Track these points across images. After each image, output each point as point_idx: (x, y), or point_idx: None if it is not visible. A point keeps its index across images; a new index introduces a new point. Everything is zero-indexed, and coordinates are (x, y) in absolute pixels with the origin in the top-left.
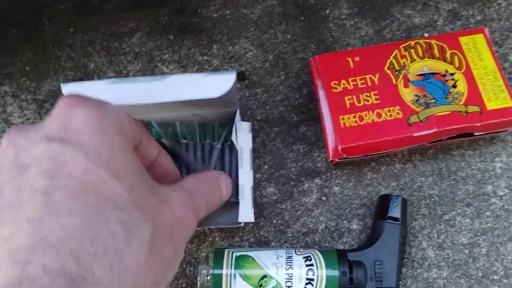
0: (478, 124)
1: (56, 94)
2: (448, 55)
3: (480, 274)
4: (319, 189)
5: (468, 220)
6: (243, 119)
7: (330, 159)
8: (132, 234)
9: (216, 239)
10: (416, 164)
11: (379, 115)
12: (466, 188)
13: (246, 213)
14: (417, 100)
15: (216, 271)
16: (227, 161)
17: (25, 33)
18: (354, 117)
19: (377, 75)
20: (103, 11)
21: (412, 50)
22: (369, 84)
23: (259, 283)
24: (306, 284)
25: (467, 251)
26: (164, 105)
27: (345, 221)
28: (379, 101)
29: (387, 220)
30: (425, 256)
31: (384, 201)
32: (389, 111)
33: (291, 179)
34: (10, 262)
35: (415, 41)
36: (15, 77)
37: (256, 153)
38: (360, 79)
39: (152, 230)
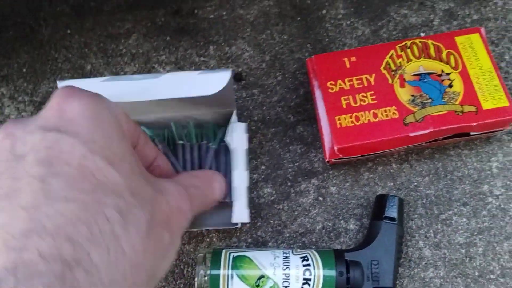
0: (474, 124)
1: None
2: (444, 55)
3: (476, 273)
4: (316, 189)
5: (464, 219)
6: (240, 120)
7: (326, 159)
8: (128, 220)
9: (214, 239)
10: (413, 164)
11: (375, 115)
12: (462, 187)
13: (240, 213)
14: (413, 100)
15: (214, 272)
16: (223, 162)
17: (22, 35)
18: (351, 117)
19: (373, 75)
20: (100, 12)
21: (408, 50)
22: (365, 84)
23: (256, 283)
24: (303, 284)
25: (463, 251)
26: (160, 106)
27: (342, 221)
28: (375, 101)
29: (384, 220)
30: (422, 255)
31: (381, 201)
32: (385, 111)
33: (288, 180)
34: (5, 248)
35: (411, 41)
36: (12, 79)
37: (253, 154)
38: (357, 79)
39: (148, 217)
